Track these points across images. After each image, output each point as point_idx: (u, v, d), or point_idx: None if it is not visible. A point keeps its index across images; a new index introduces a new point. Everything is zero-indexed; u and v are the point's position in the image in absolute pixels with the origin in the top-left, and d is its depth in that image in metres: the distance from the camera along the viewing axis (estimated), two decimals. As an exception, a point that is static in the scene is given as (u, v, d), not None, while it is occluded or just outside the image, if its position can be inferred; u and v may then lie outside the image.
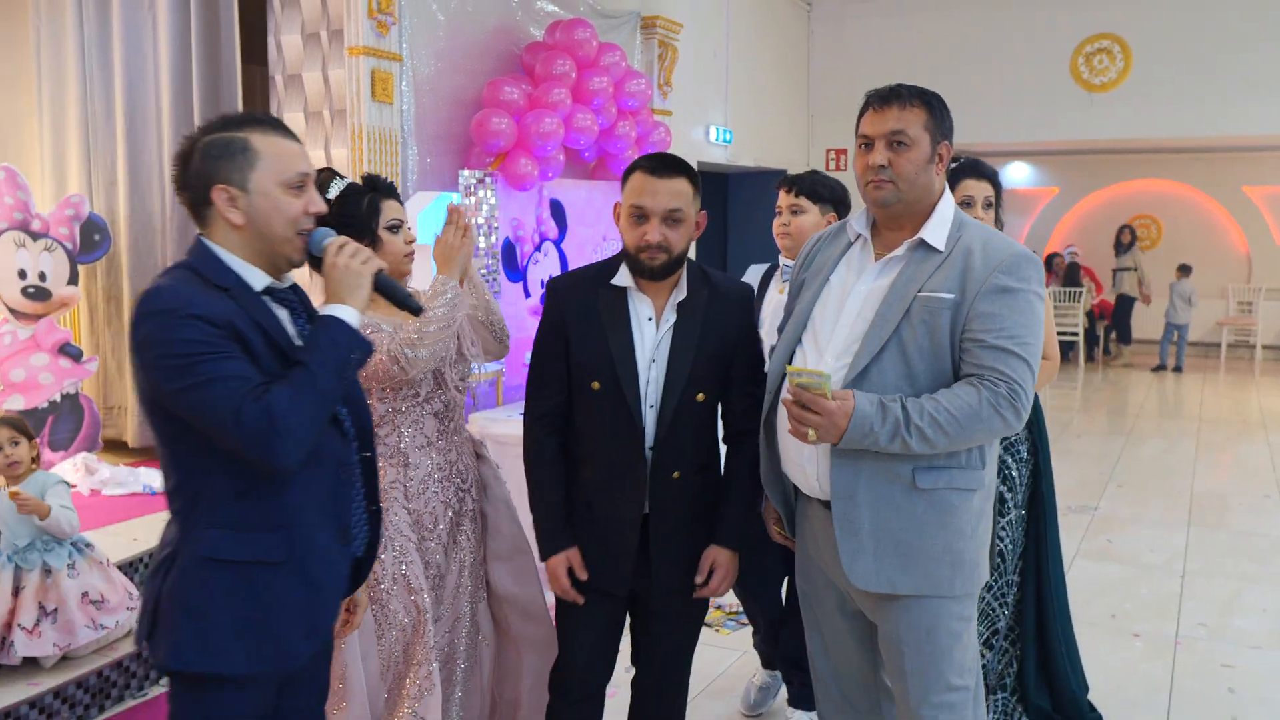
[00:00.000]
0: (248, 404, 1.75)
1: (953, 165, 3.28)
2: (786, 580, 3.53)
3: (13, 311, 4.99)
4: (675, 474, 2.49)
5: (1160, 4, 8.83)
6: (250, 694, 1.90)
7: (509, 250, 5.44)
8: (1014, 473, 3.27)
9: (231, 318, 1.81)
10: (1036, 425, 3.31)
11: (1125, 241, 13.07)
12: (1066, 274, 12.98)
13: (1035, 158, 15.06)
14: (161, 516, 4.39)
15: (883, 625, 2.32)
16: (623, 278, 2.50)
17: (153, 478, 4.91)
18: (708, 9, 8.04)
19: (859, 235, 2.35)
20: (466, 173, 5.21)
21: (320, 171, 2.61)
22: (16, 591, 3.31)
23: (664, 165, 2.45)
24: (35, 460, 3.43)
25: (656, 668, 2.70)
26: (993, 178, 3.25)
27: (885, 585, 2.23)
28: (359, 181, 2.71)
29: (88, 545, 3.50)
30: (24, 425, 3.47)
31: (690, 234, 2.47)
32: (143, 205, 5.39)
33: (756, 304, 2.98)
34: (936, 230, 2.23)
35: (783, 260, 3.45)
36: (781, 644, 3.50)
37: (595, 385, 2.48)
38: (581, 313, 2.51)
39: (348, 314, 1.89)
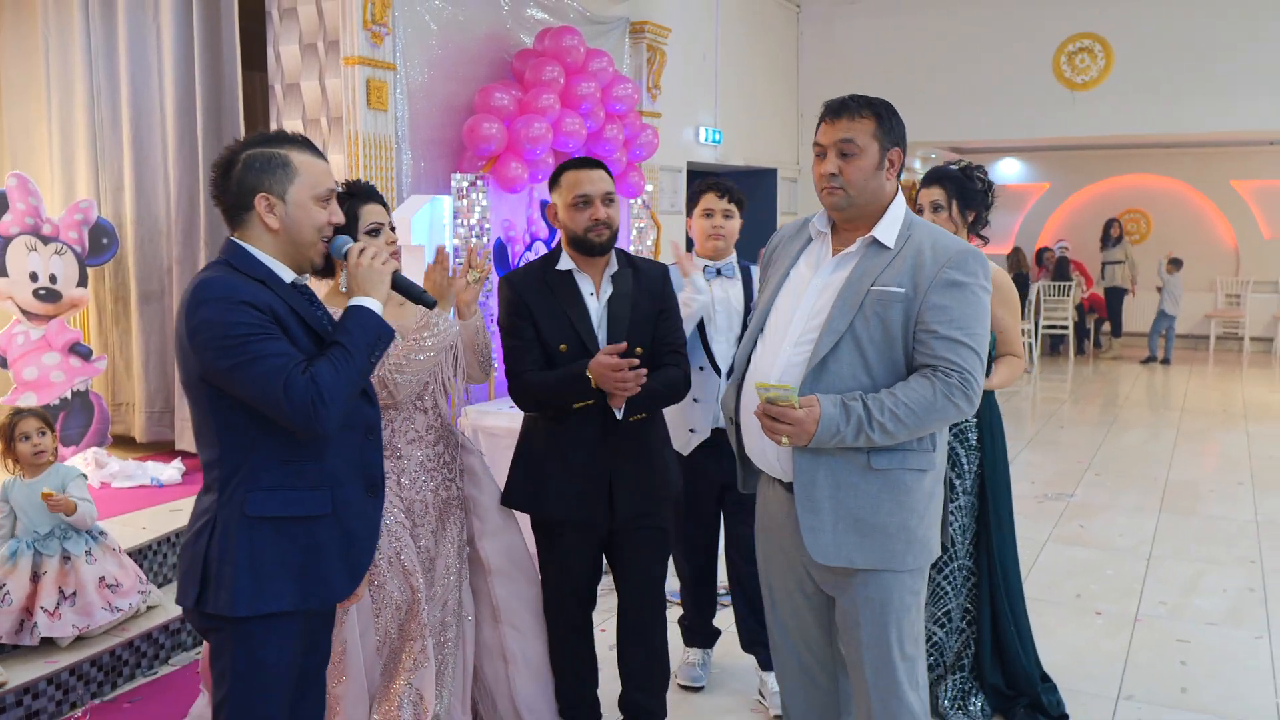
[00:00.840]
0: (296, 378, 2.04)
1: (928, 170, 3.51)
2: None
3: (25, 313, 5.21)
4: (632, 417, 2.97)
5: (1140, 4, 9.01)
6: (294, 626, 2.20)
7: (501, 250, 5.64)
8: (963, 460, 3.48)
9: (272, 304, 2.10)
10: (988, 415, 3.53)
11: (1114, 235, 13.26)
12: (1056, 268, 13.17)
13: (1026, 154, 15.26)
14: (169, 507, 4.63)
15: (840, 598, 2.48)
16: (565, 263, 3.02)
17: (159, 471, 5.13)
18: (697, 13, 8.24)
19: (820, 232, 2.53)
20: (459, 176, 5.41)
21: None
22: (36, 577, 3.52)
23: (589, 162, 3.02)
24: (54, 453, 3.65)
25: (634, 589, 3.14)
26: (942, 180, 3.46)
27: (843, 560, 2.39)
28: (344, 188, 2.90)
29: (102, 533, 3.71)
30: (49, 417, 3.68)
31: (619, 213, 3.02)
32: (148, 209, 5.59)
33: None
34: (888, 229, 2.40)
35: (704, 262, 3.65)
36: (743, 622, 3.75)
37: (563, 348, 2.95)
38: (539, 295, 2.99)
39: (373, 305, 2.20)
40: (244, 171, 2.15)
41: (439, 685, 2.97)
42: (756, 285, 3.62)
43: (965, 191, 3.46)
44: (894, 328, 2.33)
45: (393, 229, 2.93)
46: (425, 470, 2.93)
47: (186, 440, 5.45)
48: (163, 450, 5.61)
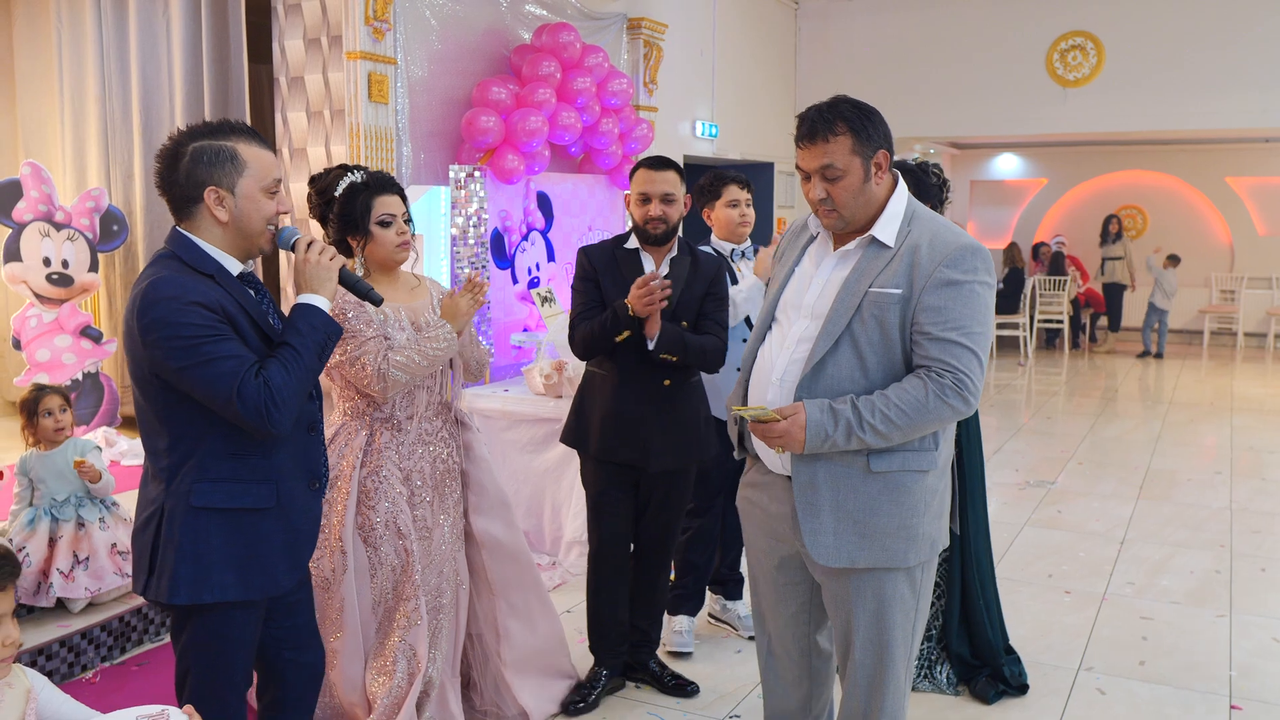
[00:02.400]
0: (249, 381, 2.10)
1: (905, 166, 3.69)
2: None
3: (38, 296, 5.40)
4: (666, 381, 3.44)
5: (1131, 2, 9.15)
6: (244, 615, 2.29)
7: (498, 240, 5.83)
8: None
9: (222, 301, 2.15)
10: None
11: (1113, 231, 13.40)
12: (1051, 263, 13.32)
13: (1024, 149, 15.39)
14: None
15: (839, 595, 2.46)
16: (632, 242, 3.53)
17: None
18: (694, 9, 8.40)
19: (819, 230, 2.49)
20: (457, 168, 5.60)
21: (333, 170, 3.02)
22: (53, 542, 3.72)
23: (660, 163, 3.49)
24: (71, 428, 3.85)
25: (652, 534, 3.60)
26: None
27: (845, 560, 2.37)
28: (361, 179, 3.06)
29: (115, 504, 3.91)
30: (68, 395, 3.87)
31: (680, 211, 3.48)
32: (157, 197, 5.70)
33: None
34: (887, 227, 2.35)
35: (732, 246, 4.06)
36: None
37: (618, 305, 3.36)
38: (607, 266, 3.50)
39: (320, 302, 2.27)
40: (192, 164, 2.18)
41: (432, 648, 3.15)
42: None
43: (922, 186, 3.65)
44: (892, 330, 2.31)
45: (408, 220, 3.07)
46: (423, 443, 3.11)
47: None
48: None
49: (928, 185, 3.68)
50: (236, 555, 2.21)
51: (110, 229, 5.53)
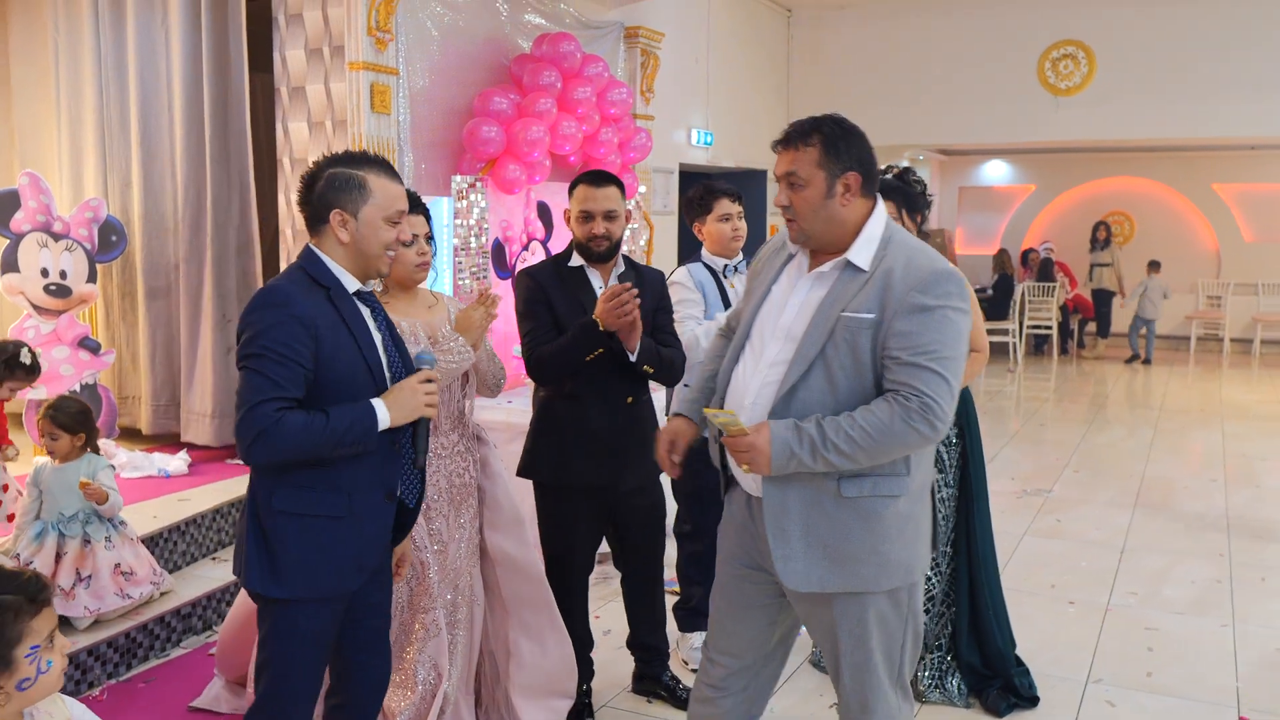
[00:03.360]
0: (269, 406, 2.22)
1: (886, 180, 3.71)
2: None
3: (36, 307, 5.35)
4: (629, 399, 3.39)
5: (1122, 12, 9.21)
6: (318, 609, 2.41)
7: (499, 250, 5.82)
8: (944, 456, 3.69)
9: (319, 316, 2.30)
10: (965, 414, 3.73)
11: (1101, 238, 13.48)
12: (1040, 269, 13.40)
13: (1012, 156, 15.48)
14: (177, 496, 4.82)
15: (816, 619, 2.47)
16: (576, 260, 3.42)
17: (167, 462, 5.29)
18: (689, 18, 8.41)
19: (795, 250, 2.49)
20: (459, 178, 5.59)
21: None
22: (59, 558, 3.69)
23: (600, 178, 3.38)
24: (85, 445, 3.81)
25: (639, 551, 3.59)
26: (890, 194, 3.63)
27: (815, 585, 2.37)
28: None
29: (122, 523, 3.88)
30: (70, 421, 3.80)
31: (623, 226, 3.42)
32: (156, 207, 5.74)
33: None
34: (863, 250, 2.34)
35: (724, 261, 4.00)
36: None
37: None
38: (556, 286, 3.37)
39: (383, 415, 2.35)
40: (325, 187, 2.38)
41: (450, 658, 3.15)
42: None
43: (910, 198, 3.69)
44: (864, 354, 2.30)
45: (430, 239, 3.10)
46: (439, 458, 3.10)
47: (192, 433, 5.61)
48: (168, 442, 5.77)
49: (914, 195, 3.70)
50: (307, 559, 2.36)
51: (109, 239, 5.49)
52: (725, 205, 3.87)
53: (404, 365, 2.53)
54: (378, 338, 2.47)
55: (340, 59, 5.12)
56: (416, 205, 3.05)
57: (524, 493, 3.52)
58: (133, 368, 5.97)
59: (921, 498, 2.45)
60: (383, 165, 2.44)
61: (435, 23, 5.63)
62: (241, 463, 5.48)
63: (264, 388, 2.22)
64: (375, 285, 2.53)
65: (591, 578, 3.66)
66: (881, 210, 2.41)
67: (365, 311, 2.47)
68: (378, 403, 2.34)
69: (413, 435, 2.49)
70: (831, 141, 2.31)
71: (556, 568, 3.48)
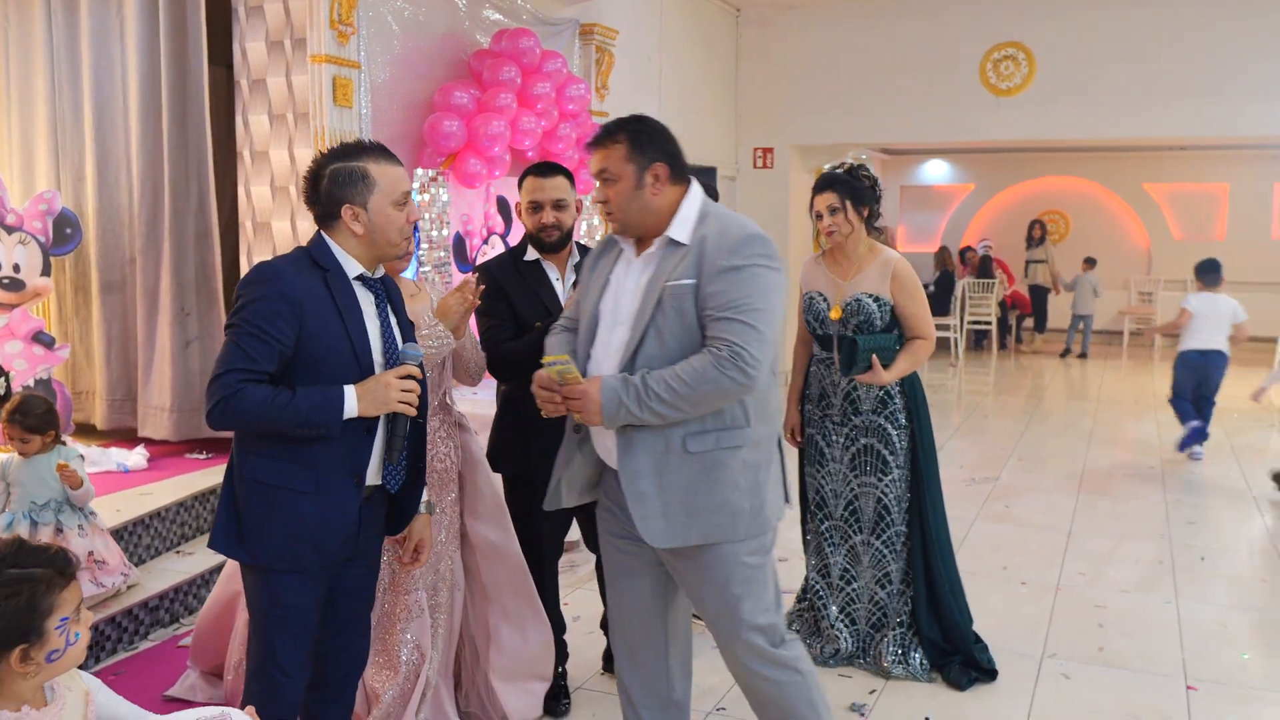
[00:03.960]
0: (233, 376, 2.29)
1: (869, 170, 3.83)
2: None
3: (-12, 301, 5.28)
4: None
5: (1062, 15, 9.47)
6: (301, 584, 2.45)
7: (459, 243, 5.85)
8: (893, 437, 3.84)
9: (305, 296, 2.34)
10: (913, 396, 3.88)
11: (1036, 236, 13.84)
12: (980, 266, 13.71)
13: (951, 156, 15.80)
14: (139, 490, 4.82)
15: (684, 575, 2.64)
16: (531, 254, 3.44)
17: (125, 457, 5.24)
18: (642, 16, 8.49)
19: (624, 243, 2.67)
20: (420, 171, 5.61)
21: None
22: (30, 547, 3.66)
23: (548, 169, 3.40)
24: (55, 438, 3.79)
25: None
26: (834, 185, 3.83)
27: (677, 540, 2.54)
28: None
29: (93, 513, 3.87)
30: (35, 423, 3.78)
31: (574, 216, 3.42)
32: (111, 200, 5.68)
33: None
34: (681, 227, 2.54)
35: None
36: None
37: (538, 325, 3.25)
38: (514, 280, 3.38)
39: (351, 404, 2.36)
40: (330, 185, 2.41)
41: (432, 640, 3.19)
42: None
43: (856, 191, 3.81)
44: (689, 317, 2.48)
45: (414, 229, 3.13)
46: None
47: (150, 427, 5.56)
48: (124, 437, 5.71)
49: (861, 189, 3.82)
50: (269, 528, 2.41)
51: (63, 232, 5.42)
52: None
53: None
54: (374, 325, 2.49)
55: (302, 51, 5.11)
56: None
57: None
58: (87, 362, 5.90)
59: (766, 448, 2.62)
60: (380, 151, 2.48)
61: (395, 16, 5.64)
62: (201, 457, 5.46)
63: (234, 358, 2.30)
64: (380, 271, 2.54)
65: (559, 564, 3.74)
66: (695, 193, 2.60)
67: (369, 298, 2.50)
68: (350, 390, 2.36)
69: (390, 429, 2.49)
70: (636, 138, 2.53)
71: (526, 555, 3.50)
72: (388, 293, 2.57)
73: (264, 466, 2.40)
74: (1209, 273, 7.54)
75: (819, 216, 3.85)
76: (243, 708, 2.03)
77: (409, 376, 2.42)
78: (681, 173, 2.58)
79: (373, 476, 2.53)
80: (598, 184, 2.58)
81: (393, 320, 2.55)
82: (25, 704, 1.81)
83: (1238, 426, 8.76)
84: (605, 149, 2.54)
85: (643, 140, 2.53)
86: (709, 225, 2.52)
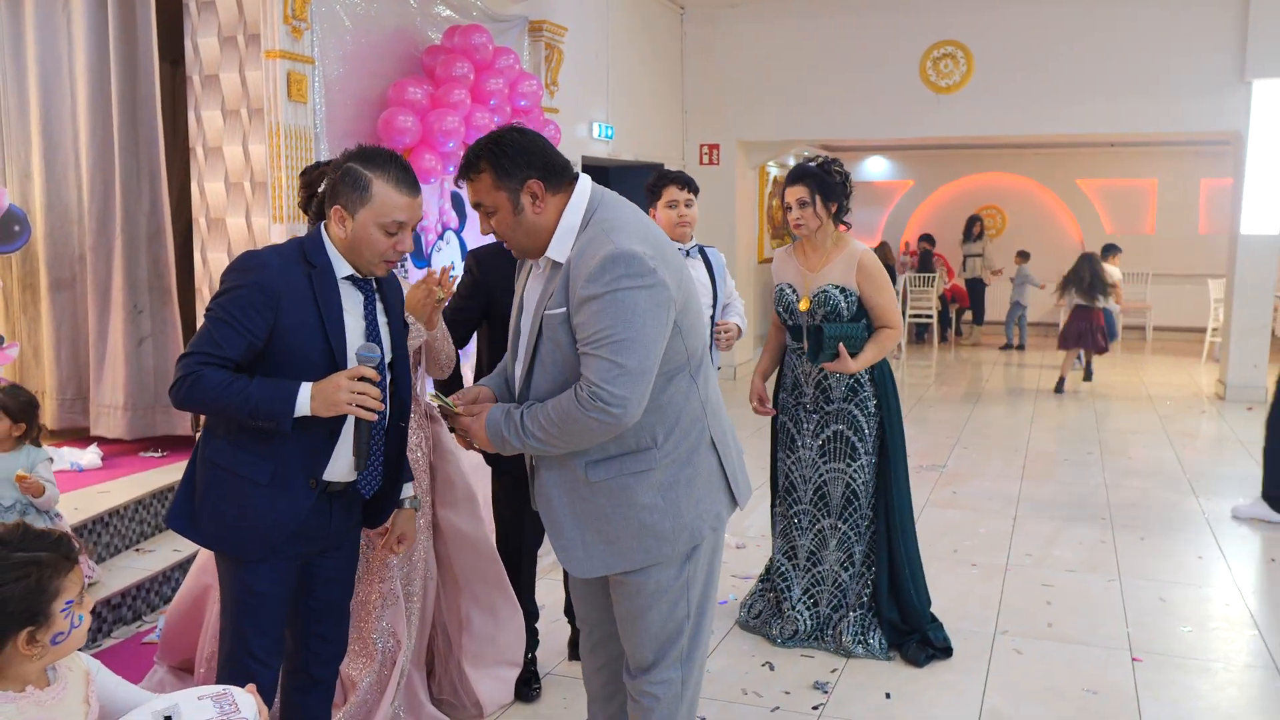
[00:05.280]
0: (195, 359, 2.32)
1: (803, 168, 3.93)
2: None
3: (-66, 300, 5.19)
4: None
5: (999, 14, 9.71)
6: (269, 571, 2.47)
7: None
8: (863, 424, 3.95)
9: (285, 288, 2.35)
10: (882, 384, 3.99)
11: (975, 232, 14.15)
12: (920, 261, 13.99)
13: (891, 153, 16.07)
14: (97, 489, 4.81)
15: (613, 594, 2.55)
16: None
17: (78, 456, 5.18)
18: (589, 13, 8.54)
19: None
20: (375, 167, 5.61)
21: (325, 165, 3.01)
22: (-8, 547, 3.62)
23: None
24: (24, 437, 3.76)
25: None
26: (804, 178, 3.90)
27: (602, 570, 2.45)
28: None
29: (58, 515, 3.84)
30: (15, 407, 3.76)
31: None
32: (59, 196, 5.61)
33: None
34: (558, 245, 2.36)
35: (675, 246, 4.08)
36: None
37: None
38: (498, 271, 3.31)
39: (303, 402, 2.33)
40: (335, 180, 2.42)
41: (407, 627, 3.23)
42: (716, 266, 4.04)
43: (826, 185, 3.92)
44: (566, 347, 2.35)
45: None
46: None
47: (102, 426, 5.50)
48: (76, 437, 5.64)
49: (832, 184, 3.93)
50: (219, 511, 2.44)
51: (11, 229, 5.33)
52: (673, 192, 3.91)
53: (386, 366, 2.55)
54: (357, 325, 2.47)
55: (256, 47, 5.09)
56: None
57: (480, 472, 3.62)
58: (35, 362, 5.81)
59: (689, 460, 2.44)
60: (395, 172, 2.41)
61: (348, 12, 5.64)
62: (157, 455, 5.42)
63: (202, 341, 2.34)
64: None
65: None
66: (580, 196, 2.40)
67: (357, 298, 2.49)
68: (305, 387, 2.33)
69: (357, 432, 2.46)
70: (498, 162, 2.33)
71: (507, 545, 3.59)
72: (383, 294, 2.55)
73: (224, 451, 2.43)
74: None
75: (788, 209, 3.94)
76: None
77: (365, 379, 2.35)
78: (559, 179, 2.37)
79: (345, 474, 2.52)
80: (481, 217, 2.41)
81: (381, 321, 2.53)
82: (29, 685, 1.83)
83: (1171, 412, 9.05)
84: (472, 182, 2.37)
85: (505, 163, 2.33)
86: (582, 239, 2.33)
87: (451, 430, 2.63)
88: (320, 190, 2.50)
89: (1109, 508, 6.05)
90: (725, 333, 4.00)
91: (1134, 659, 4.00)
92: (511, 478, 3.48)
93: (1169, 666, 3.94)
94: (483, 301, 3.41)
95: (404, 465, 2.69)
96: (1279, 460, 5.68)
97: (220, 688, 1.89)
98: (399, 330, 2.61)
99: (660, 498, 2.40)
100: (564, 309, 2.31)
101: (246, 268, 2.39)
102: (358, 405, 2.34)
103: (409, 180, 2.43)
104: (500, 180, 2.33)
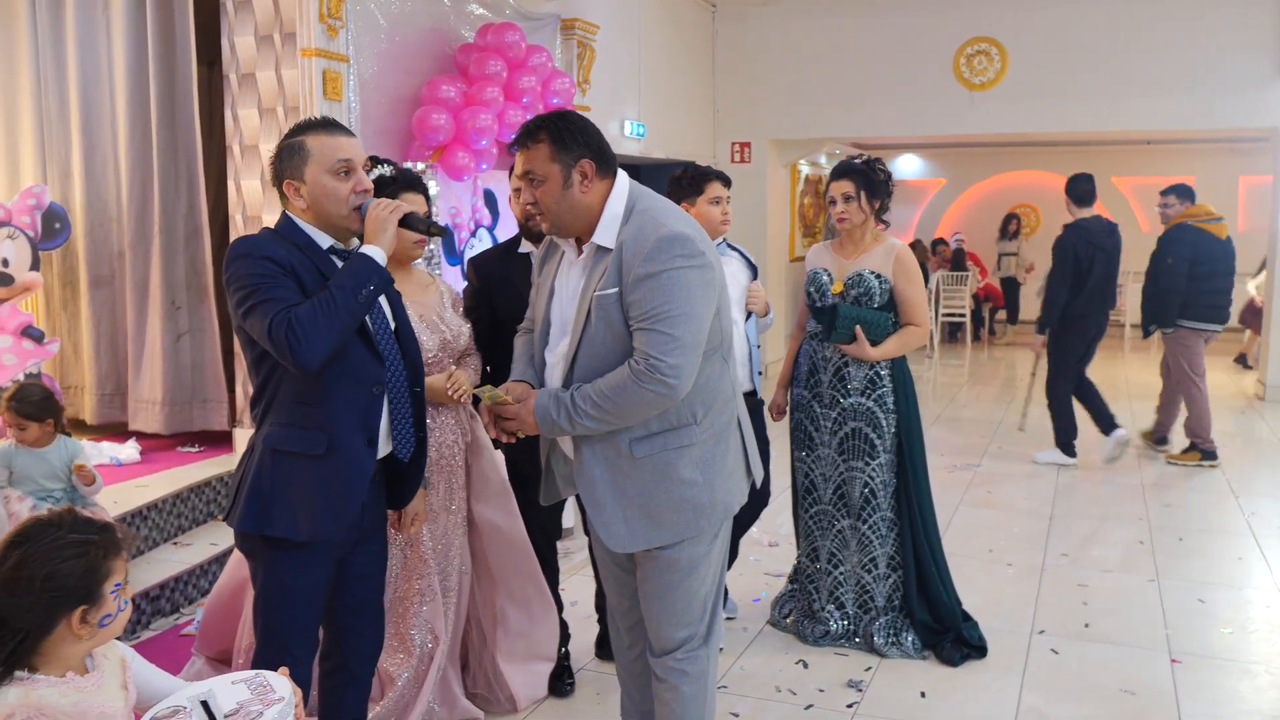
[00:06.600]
0: (280, 316, 2.29)
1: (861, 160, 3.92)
2: None
3: (-24, 296, 5.27)
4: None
5: (1034, 10, 9.62)
6: (305, 561, 2.47)
7: (449, 236, 5.88)
8: (882, 423, 3.94)
9: (294, 261, 2.37)
10: (901, 382, 3.98)
11: (1012, 230, 14.06)
12: (953, 259, 13.88)
13: (924, 150, 15.97)
14: (135, 483, 4.83)
15: (644, 570, 2.61)
16: (525, 246, 3.48)
17: (117, 451, 5.25)
18: (622, 11, 8.55)
19: (561, 244, 2.63)
20: (408, 165, 5.64)
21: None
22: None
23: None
24: (56, 426, 3.82)
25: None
26: (851, 173, 3.90)
27: (640, 544, 2.53)
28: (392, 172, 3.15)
29: (95, 503, 3.89)
30: (31, 409, 3.80)
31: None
32: (98, 195, 5.68)
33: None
34: (605, 231, 2.46)
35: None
36: None
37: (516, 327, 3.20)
38: (499, 275, 3.42)
39: (374, 251, 2.42)
40: (277, 162, 2.46)
41: (445, 623, 3.25)
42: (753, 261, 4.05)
43: (871, 182, 3.93)
44: (618, 325, 2.43)
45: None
46: (431, 432, 3.19)
47: (141, 421, 5.56)
48: (114, 431, 5.71)
49: (876, 181, 3.94)
50: (292, 497, 2.42)
51: (52, 227, 5.42)
52: (717, 189, 3.90)
53: (393, 332, 2.60)
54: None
55: (292, 45, 5.13)
56: (418, 184, 3.14)
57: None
58: (75, 357, 5.89)
59: (723, 437, 2.57)
60: (323, 124, 2.47)
61: (383, 10, 5.67)
62: (193, 450, 5.47)
63: (268, 309, 2.30)
64: (355, 245, 2.53)
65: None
66: (622, 186, 2.50)
67: None
68: (361, 248, 2.41)
69: (413, 228, 2.55)
70: (558, 135, 2.43)
71: (530, 536, 3.57)
72: None
73: (278, 434, 2.43)
74: None
75: (832, 202, 3.95)
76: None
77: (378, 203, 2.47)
78: (608, 166, 2.49)
79: (383, 446, 2.56)
80: (524, 185, 2.49)
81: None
82: (70, 671, 1.86)
83: (1213, 413, 8.92)
84: (528, 149, 2.45)
85: (565, 138, 2.43)
86: (631, 225, 2.43)
87: (488, 424, 2.63)
88: (272, 184, 2.49)
89: (1146, 509, 5.98)
90: (756, 296, 4.00)
91: (1173, 660, 3.95)
92: (522, 466, 3.48)
93: (1209, 668, 3.89)
94: (487, 304, 3.45)
95: (426, 433, 2.70)
96: None
97: (252, 672, 1.90)
98: (397, 296, 2.66)
99: (699, 473, 2.51)
100: (616, 289, 2.40)
101: (246, 252, 2.37)
102: (390, 212, 2.43)
103: (338, 126, 2.48)
104: (557, 152, 2.42)
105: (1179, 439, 7.49)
